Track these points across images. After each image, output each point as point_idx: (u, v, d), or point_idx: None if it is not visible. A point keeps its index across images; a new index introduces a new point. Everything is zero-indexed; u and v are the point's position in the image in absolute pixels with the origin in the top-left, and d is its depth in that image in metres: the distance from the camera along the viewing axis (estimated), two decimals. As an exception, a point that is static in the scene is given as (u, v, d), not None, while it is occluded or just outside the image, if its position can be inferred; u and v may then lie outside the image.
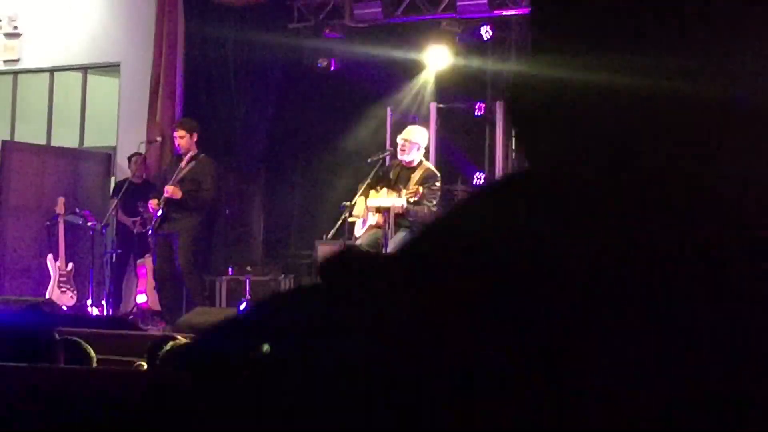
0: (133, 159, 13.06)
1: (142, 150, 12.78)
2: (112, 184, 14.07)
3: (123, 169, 13.75)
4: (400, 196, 9.75)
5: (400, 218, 9.73)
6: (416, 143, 10.20)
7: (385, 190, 9.98)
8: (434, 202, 10.03)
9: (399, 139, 10.30)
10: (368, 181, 10.08)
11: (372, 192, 10.00)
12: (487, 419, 1.09)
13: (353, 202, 10.11)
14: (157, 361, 4.61)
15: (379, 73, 13.65)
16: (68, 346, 4.61)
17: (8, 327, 4.63)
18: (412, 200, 9.63)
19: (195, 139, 11.21)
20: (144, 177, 13.17)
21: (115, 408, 2.72)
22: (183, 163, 11.11)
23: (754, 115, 1.15)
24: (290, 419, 1.16)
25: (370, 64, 13.60)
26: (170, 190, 10.90)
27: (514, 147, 14.08)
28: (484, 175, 13.50)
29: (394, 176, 10.18)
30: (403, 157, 10.14)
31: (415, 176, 10.04)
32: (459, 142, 13.33)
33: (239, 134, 13.95)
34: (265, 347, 1.11)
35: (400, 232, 9.75)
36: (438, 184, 10.12)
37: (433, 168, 10.35)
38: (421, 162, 10.23)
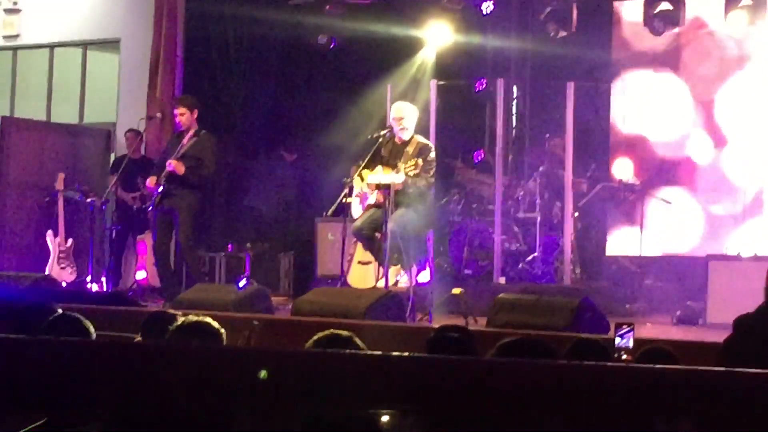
0: (127, 134, 13.06)
1: (142, 126, 12.76)
2: (112, 161, 14.06)
3: (123, 146, 13.73)
4: (397, 172, 9.70)
5: (399, 195, 9.70)
6: (411, 118, 10.15)
7: (380, 167, 9.93)
8: (431, 173, 9.99)
9: (394, 119, 10.18)
10: (365, 160, 10.04)
11: (366, 171, 9.96)
12: None
13: (351, 180, 10.08)
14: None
15: (379, 50, 13.62)
16: (68, 321, 4.62)
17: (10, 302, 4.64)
18: (412, 173, 9.58)
19: (195, 116, 11.18)
20: (142, 153, 13.15)
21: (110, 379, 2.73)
22: (185, 140, 11.09)
23: None
24: None
25: (370, 41, 13.56)
26: (174, 164, 10.88)
27: (513, 124, 14.07)
28: (483, 154, 13.50)
29: (386, 153, 10.12)
30: (403, 136, 10.10)
31: (410, 150, 10.00)
32: (459, 120, 13.32)
33: (239, 111, 13.93)
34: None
35: (400, 208, 9.73)
36: (432, 155, 10.07)
37: (425, 140, 10.31)
38: (412, 136, 10.18)
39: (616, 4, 12.83)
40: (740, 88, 12.06)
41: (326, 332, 4.13)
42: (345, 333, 4.15)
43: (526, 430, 2.87)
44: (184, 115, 11.15)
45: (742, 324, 4.42)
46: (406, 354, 3.26)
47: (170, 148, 11.31)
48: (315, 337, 4.08)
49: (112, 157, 14.15)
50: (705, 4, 12.17)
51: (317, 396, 2.89)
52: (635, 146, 12.63)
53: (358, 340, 4.10)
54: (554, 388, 2.85)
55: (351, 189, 10.14)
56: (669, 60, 12.52)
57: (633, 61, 12.73)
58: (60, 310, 4.87)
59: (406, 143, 10.10)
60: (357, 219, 10.22)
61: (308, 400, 2.88)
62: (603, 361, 4.38)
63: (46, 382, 3.27)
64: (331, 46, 13.43)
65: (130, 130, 13.04)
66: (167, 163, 10.96)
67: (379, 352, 3.50)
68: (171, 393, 3.06)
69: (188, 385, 3.08)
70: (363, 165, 10.05)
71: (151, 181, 11.08)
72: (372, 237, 9.99)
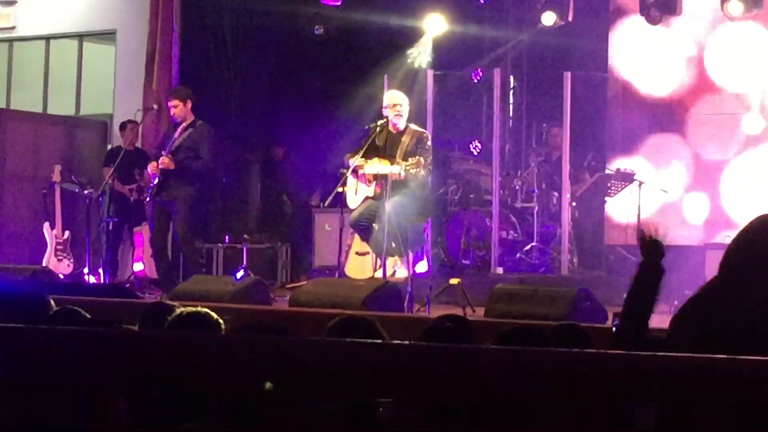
0: (129, 126, 13.00)
1: (138, 118, 12.74)
2: (106, 153, 14.07)
3: (119, 137, 13.73)
4: (392, 163, 9.68)
5: (396, 184, 9.69)
6: (405, 106, 10.14)
7: (376, 159, 9.91)
8: (429, 160, 10.00)
9: (387, 107, 10.15)
10: (361, 151, 10.01)
11: (361, 161, 9.92)
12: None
13: (349, 170, 10.06)
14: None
15: (376, 39, 13.61)
16: (66, 313, 4.62)
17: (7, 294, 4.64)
18: (413, 171, 9.57)
19: (189, 107, 11.14)
20: (135, 144, 13.10)
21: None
22: (178, 133, 11.07)
23: None
24: None
25: (367, 31, 13.56)
26: (164, 162, 10.87)
27: (510, 114, 14.06)
28: (480, 145, 13.50)
29: (381, 143, 10.09)
30: (399, 123, 10.09)
31: (406, 140, 9.98)
32: (456, 110, 13.31)
33: (236, 102, 13.91)
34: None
35: (397, 197, 9.72)
36: (429, 143, 10.08)
37: (420, 128, 10.30)
38: (407, 126, 10.17)
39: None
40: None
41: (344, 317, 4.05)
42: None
43: (522, 417, 2.87)
44: (177, 107, 11.12)
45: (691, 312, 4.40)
46: (405, 342, 3.27)
47: (166, 140, 11.30)
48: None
49: (108, 148, 14.13)
50: None
51: (316, 384, 2.89)
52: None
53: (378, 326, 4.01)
54: (552, 375, 2.85)
55: (346, 179, 10.13)
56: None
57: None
58: (52, 302, 4.86)
59: (401, 132, 10.08)
60: (354, 210, 10.21)
61: (307, 388, 2.88)
62: (585, 346, 4.40)
63: (45, 372, 3.27)
64: (328, 36, 13.41)
65: (130, 121, 12.98)
66: (159, 161, 10.95)
67: (379, 341, 3.50)
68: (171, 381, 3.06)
69: (187, 374, 3.08)
70: (359, 155, 10.01)
71: (152, 166, 11.04)
72: (369, 228, 9.98)
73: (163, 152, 11.02)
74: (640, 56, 12.56)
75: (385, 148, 10.04)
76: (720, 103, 12.22)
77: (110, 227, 12.55)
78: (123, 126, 13.10)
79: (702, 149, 12.29)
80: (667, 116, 12.48)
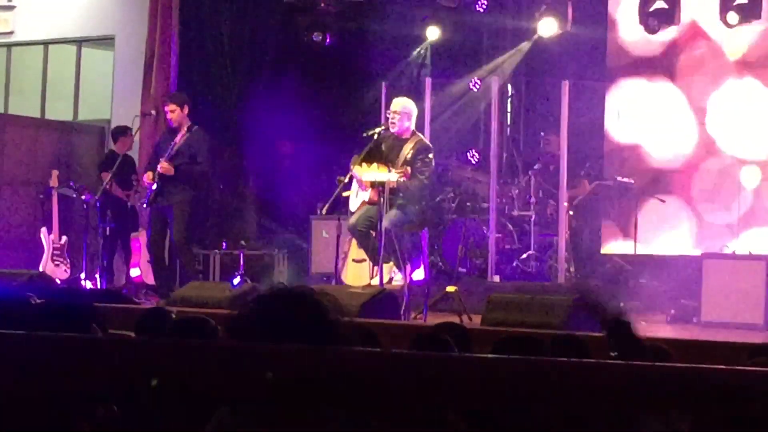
0: (129, 133, 12.93)
1: (136, 123, 12.72)
2: (103, 158, 14.06)
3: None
4: (389, 170, 9.69)
5: (393, 194, 9.68)
6: (404, 113, 10.13)
7: (375, 164, 9.91)
8: (426, 175, 9.99)
9: (388, 113, 10.26)
10: (361, 155, 10.03)
11: (363, 166, 9.92)
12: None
13: (347, 177, 10.07)
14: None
15: (374, 47, 13.63)
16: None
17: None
18: (402, 180, 9.56)
19: (186, 112, 11.15)
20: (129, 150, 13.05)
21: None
22: (177, 138, 11.07)
23: None
24: None
25: (365, 39, 13.57)
26: (164, 168, 10.87)
27: (508, 122, 14.07)
28: (477, 153, 13.50)
29: (386, 148, 10.10)
30: (392, 129, 10.11)
31: (407, 149, 9.99)
32: (454, 118, 13.31)
33: (234, 108, 13.91)
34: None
35: (393, 208, 9.73)
36: (431, 156, 10.06)
37: (425, 140, 10.28)
38: (413, 133, 10.17)
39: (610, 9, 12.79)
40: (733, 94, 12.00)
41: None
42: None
43: (522, 427, 2.87)
44: (174, 112, 11.12)
45: None
46: (402, 351, 3.26)
47: (163, 144, 11.29)
48: None
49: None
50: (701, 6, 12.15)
51: (313, 393, 2.88)
52: (630, 154, 12.55)
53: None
54: (548, 385, 2.85)
55: (350, 182, 10.13)
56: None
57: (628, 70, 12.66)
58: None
59: (405, 140, 10.09)
60: (351, 215, 10.21)
61: (304, 397, 2.88)
62: (584, 357, 4.39)
63: (40, 378, 3.27)
64: (326, 43, 13.42)
65: (127, 128, 12.90)
66: (158, 166, 10.95)
67: (376, 349, 3.50)
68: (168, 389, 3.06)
69: (184, 381, 3.08)
70: (357, 162, 10.01)
71: (147, 176, 11.07)
72: (367, 234, 9.97)
73: (161, 158, 11.03)
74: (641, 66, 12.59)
75: (388, 154, 10.05)
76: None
77: (107, 233, 12.55)
78: (122, 132, 12.88)
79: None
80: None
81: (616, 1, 12.69)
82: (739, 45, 11.88)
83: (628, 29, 12.42)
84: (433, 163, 10.19)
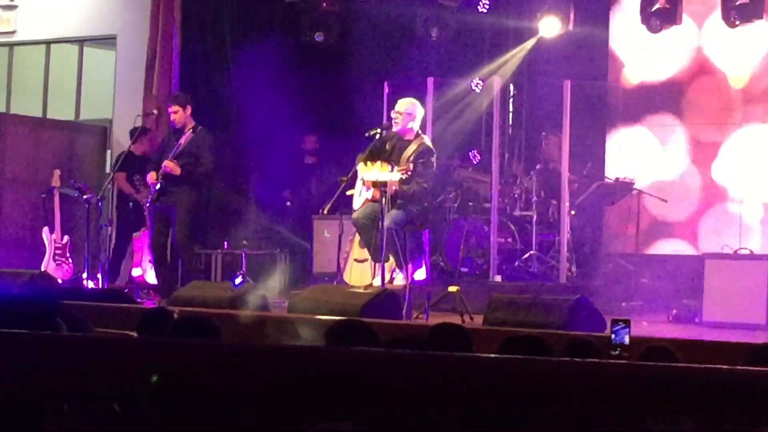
0: (139, 131, 12.92)
1: (138, 123, 12.73)
2: (108, 158, 14.04)
3: (119, 142, 13.72)
4: (392, 169, 9.66)
5: (395, 194, 9.67)
6: (407, 114, 10.12)
7: (378, 163, 9.88)
8: (426, 179, 9.95)
9: (393, 112, 10.26)
10: (364, 154, 10.02)
11: (367, 164, 9.90)
12: None
13: (349, 176, 10.06)
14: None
15: (376, 46, 13.62)
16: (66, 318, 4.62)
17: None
18: (404, 177, 9.55)
19: (189, 113, 11.15)
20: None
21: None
22: (182, 139, 11.08)
23: None
24: None
25: (367, 38, 13.56)
26: (170, 166, 10.87)
27: (510, 122, 14.07)
28: (479, 153, 13.49)
29: (389, 148, 10.09)
30: (395, 128, 10.10)
31: (409, 150, 9.97)
32: (455, 117, 13.30)
33: (235, 108, 13.91)
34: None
35: (394, 209, 9.71)
36: (433, 159, 10.03)
37: (428, 142, 10.24)
38: (417, 135, 10.16)
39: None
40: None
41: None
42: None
43: (525, 426, 2.87)
44: (177, 113, 11.13)
45: None
46: (402, 351, 3.26)
47: (167, 145, 11.29)
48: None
49: (109, 154, 14.13)
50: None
51: (317, 390, 2.89)
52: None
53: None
54: (554, 384, 2.85)
55: (352, 181, 10.12)
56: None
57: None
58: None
59: (409, 141, 10.08)
60: (355, 211, 10.20)
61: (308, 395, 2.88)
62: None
63: (44, 377, 3.27)
64: (328, 42, 13.41)
65: (144, 128, 12.92)
66: (162, 165, 10.95)
67: (380, 349, 3.50)
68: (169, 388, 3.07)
69: (185, 380, 3.08)
70: (360, 161, 10.01)
71: (151, 176, 11.06)
72: (370, 227, 9.90)
73: (165, 158, 11.02)
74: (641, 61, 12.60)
75: (391, 154, 10.04)
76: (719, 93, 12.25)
77: (109, 232, 12.55)
78: (143, 132, 12.90)
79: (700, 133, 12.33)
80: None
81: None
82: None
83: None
84: (435, 167, 10.17)
